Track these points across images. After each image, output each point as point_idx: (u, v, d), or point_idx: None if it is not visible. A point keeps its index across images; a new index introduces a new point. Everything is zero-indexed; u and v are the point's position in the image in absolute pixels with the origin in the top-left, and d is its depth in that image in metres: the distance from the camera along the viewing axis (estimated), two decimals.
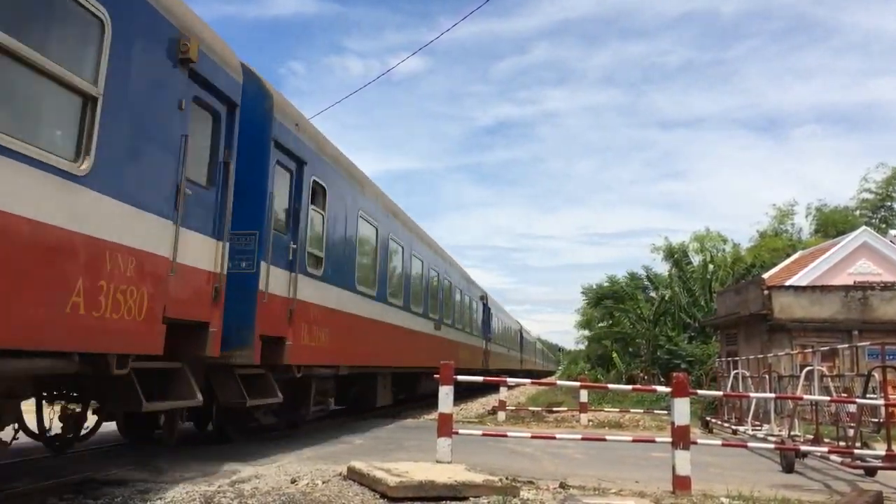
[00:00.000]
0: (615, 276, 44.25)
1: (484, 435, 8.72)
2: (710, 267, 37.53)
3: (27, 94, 4.58)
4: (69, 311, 4.65)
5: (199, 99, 6.70)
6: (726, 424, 14.14)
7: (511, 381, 9.26)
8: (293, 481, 6.21)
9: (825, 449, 8.69)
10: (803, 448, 8.90)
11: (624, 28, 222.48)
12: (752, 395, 11.04)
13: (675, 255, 41.62)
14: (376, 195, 13.10)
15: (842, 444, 9.43)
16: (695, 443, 6.92)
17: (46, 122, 4.78)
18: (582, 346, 69.04)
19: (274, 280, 8.34)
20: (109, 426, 8.08)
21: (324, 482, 6.21)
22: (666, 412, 14.91)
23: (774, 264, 32.58)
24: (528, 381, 10.21)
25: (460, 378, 7.96)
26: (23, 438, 6.12)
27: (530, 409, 17.84)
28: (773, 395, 10.96)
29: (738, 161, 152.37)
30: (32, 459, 7.29)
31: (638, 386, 19.50)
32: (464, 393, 26.47)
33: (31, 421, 6.11)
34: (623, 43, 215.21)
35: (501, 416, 15.73)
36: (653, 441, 8.68)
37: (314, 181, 9.63)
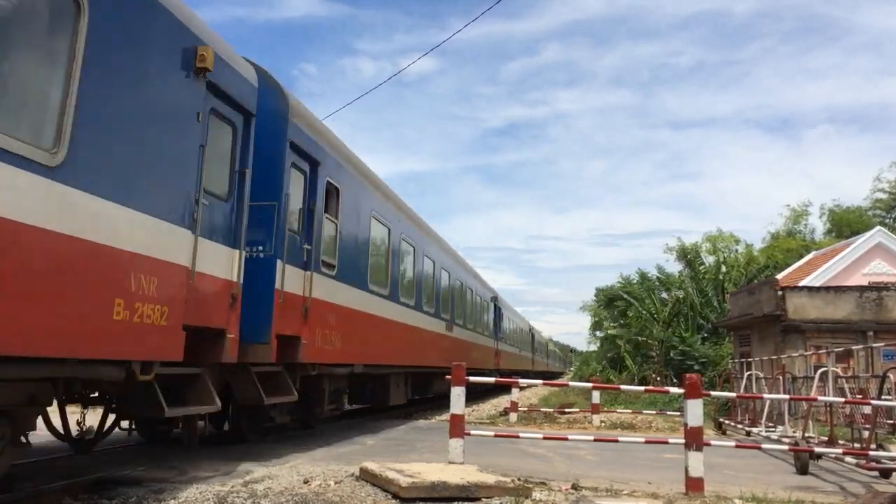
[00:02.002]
0: (627, 277, 44.07)
1: (496, 436, 8.72)
2: (723, 268, 37.32)
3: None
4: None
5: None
6: (740, 426, 14.06)
7: (523, 381, 9.26)
8: (306, 482, 6.24)
9: (840, 450, 8.64)
10: (817, 450, 8.85)
11: (634, 28, 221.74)
12: (765, 396, 10.96)
13: (689, 256, 41.42)
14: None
15: (857, 445, 9.37)
16: (708, 444, 6.89)
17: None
18: (594, 347, 68.86)
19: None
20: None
21: (336, 482, 6.24)
22: (679, 413, 14.85)
23: (788, 265, 32.37)
24: (539, 381, 10.21)
25: (473, 379, 7.97)
26: (41, 439, 6.17)
27: (542, 410, 17.82)
28: (786, 396, 10.87)
29: (751, 162, 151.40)
30: (48, 459, 7.37)
31: (650, 387, 19.44)
32: (476, 394, 26.51)
33: (55, 422, 6.17)
34: (634, 43, 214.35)
35: (513, 417, 15.73)
36: (665, 442, 8.65)
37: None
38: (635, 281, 42.19)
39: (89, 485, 5.84)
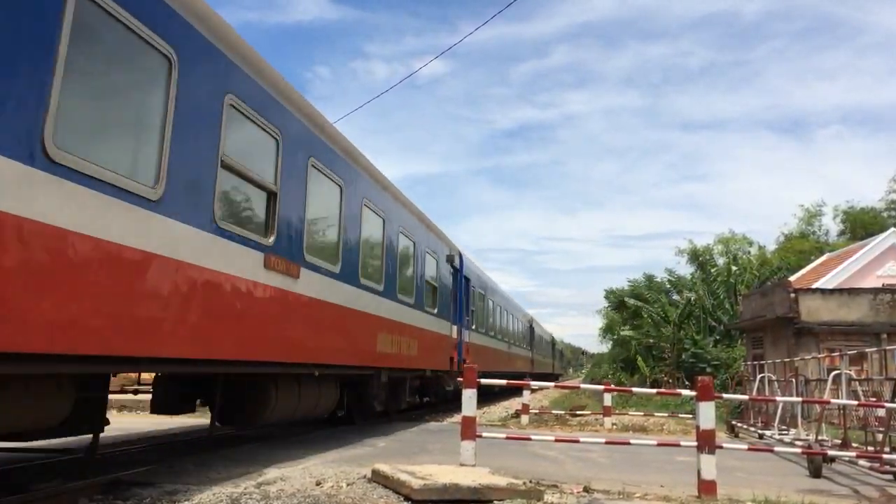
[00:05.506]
0: (637, 280, 43.91)
1: (507, 438, 8.72)
2: (734, 269, 37.15)
3: None
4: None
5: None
6: (752, 429, 13.99)
7: (535, 384, 9.26)
8: (318, 483, 6.27)
9: (853, 453, 8.58)
10: (831, 453, 8.79)
11: (644, 30, 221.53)
12: (778, 398, 10.92)
13: (700, 258, 41.28)
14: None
15: (870, 448, 9.30)
16: (720, 447, 6.87)
17: None
18: (605, 349, 68.66)
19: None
20: (139, 427, 8.19)
21: (348, 484, 6.26)
22: (691, 416, 14.78)
23: (801, 266, 32.18)
24: (551, 384, 10.21)
25: (484, 381, 7.98)
26: (53, 439, 6.22)
27: (554, 412, 17.78)
28: (800, 399, 10.83)
29: (762, 163, 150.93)
30: (63, 460, 7.43)
31: (662, 389, 19.36)
32: (487, 396, 26.50)
33: None
34: (643, 44, 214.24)
35: (525, 419, 15.71)
36: (678, 445, 8.61)
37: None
38: (643, 283, 42.07)
39: (104, 486, 5.88)
